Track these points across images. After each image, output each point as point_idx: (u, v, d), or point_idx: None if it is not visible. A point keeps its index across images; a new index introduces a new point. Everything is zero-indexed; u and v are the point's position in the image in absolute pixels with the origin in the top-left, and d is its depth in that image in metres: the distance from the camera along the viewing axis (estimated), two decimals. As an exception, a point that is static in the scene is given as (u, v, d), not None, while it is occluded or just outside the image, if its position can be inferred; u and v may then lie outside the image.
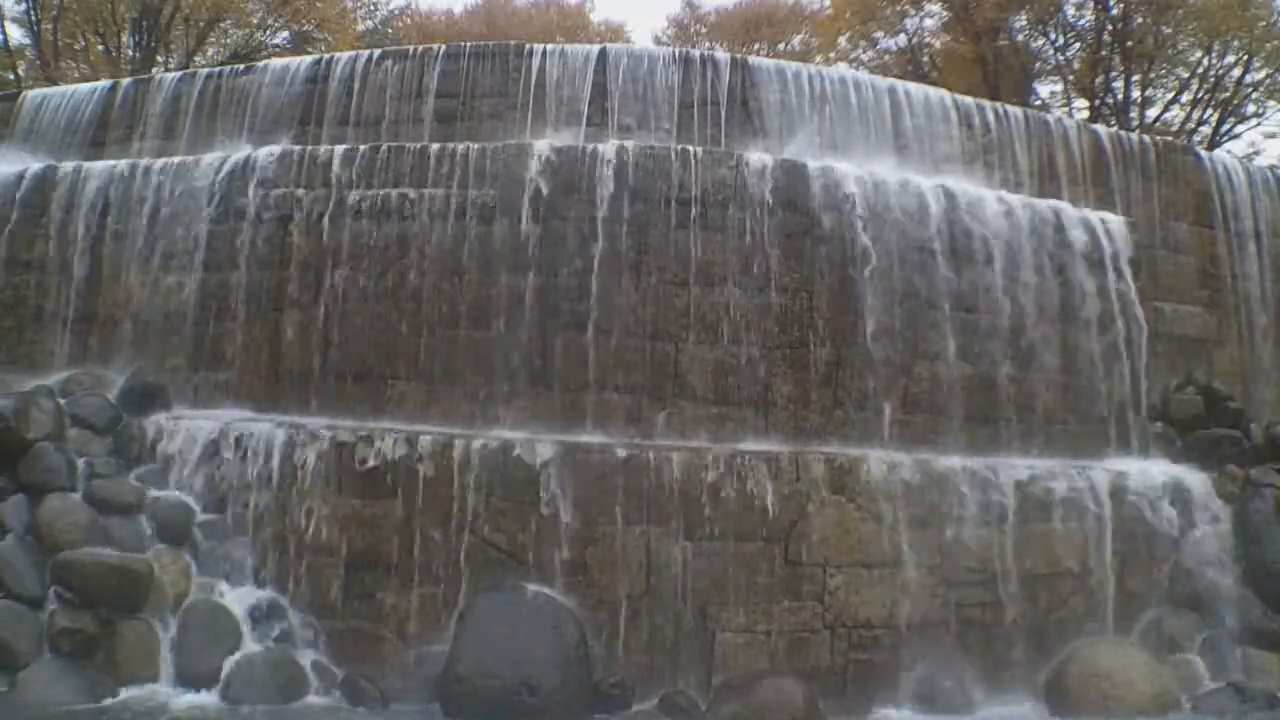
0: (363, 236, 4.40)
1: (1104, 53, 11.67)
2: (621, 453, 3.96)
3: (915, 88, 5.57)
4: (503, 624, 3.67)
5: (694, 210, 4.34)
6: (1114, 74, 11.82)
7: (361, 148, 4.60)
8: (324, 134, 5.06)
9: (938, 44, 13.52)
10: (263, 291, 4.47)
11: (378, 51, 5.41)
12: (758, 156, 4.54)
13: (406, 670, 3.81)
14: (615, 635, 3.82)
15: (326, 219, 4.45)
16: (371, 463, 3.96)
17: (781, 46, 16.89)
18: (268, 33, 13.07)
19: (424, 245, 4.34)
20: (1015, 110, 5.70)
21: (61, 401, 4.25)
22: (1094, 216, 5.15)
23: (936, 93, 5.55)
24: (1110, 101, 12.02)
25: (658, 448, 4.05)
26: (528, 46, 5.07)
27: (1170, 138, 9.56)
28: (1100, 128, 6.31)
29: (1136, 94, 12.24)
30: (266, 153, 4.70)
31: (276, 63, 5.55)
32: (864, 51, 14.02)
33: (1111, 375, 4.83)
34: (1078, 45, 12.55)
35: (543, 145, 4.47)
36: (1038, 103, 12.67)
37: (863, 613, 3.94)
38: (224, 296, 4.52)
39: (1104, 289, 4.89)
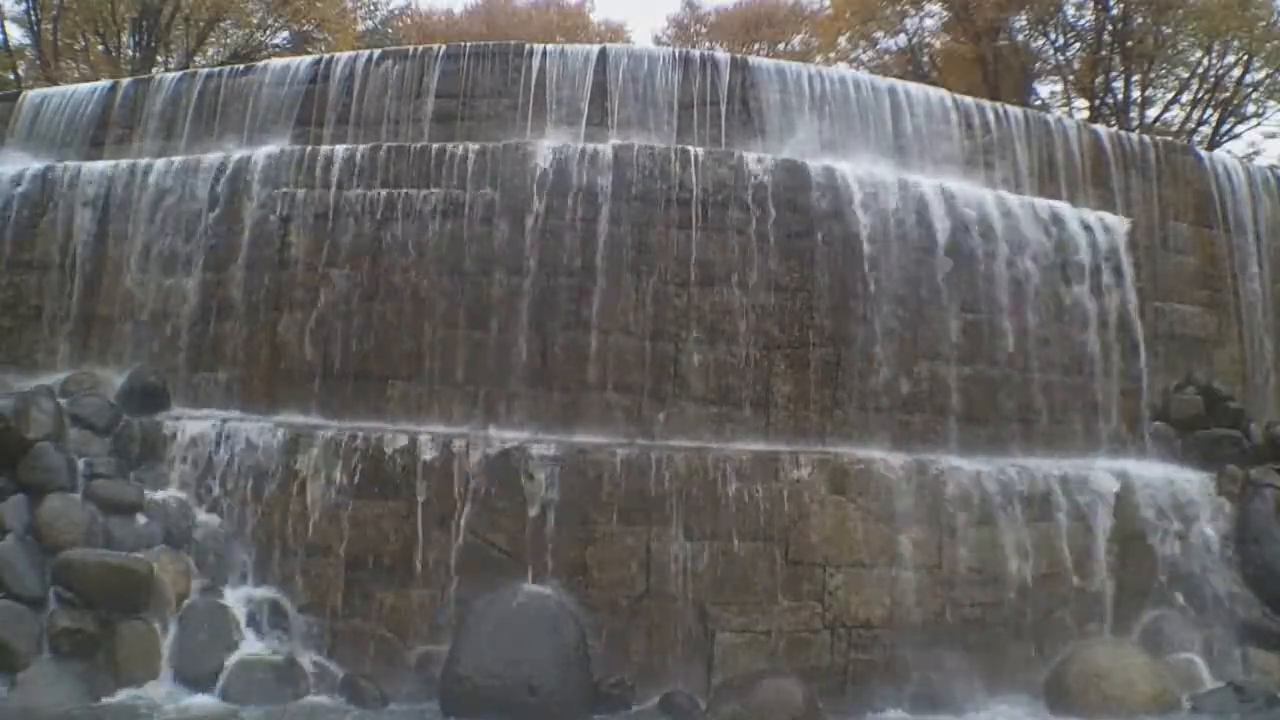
0: (363, 236, 4.41)
1: (1104, 53, 11.66)
2: (621, 453, 3.97)
3: (915, 87, 5.57)
4: (503, 624, 3.67)
5: (694, 210, 4.36)
6: (1114, 74, 11.81)
7: (361, 148, 4.61)
8: (324, 134, 5.05)
9: (938, 44, 13.49)
10: (262, 292, 4.47)
11: (378, 51, 5.39)
12: (758, 156, 4.55)
13: (406, 670, 3.81)
14: (615, 635, 3.83)
15: (328, 219, 4.45)
16: (371, 463, 3.97)
17: (781, 46, 16.86)
18: (268, 33, 13.06)
19: (423, 245, 4.35)
20: (1015, 110, 5.69)
21: (61, 401, 4.25)
22: (1093, 216, 5.16)
23: (936, 92, 5.56)
24: (1110, 101, 12.01)
25: (658, 448, 4.06)
26: (528, 46, 5.06)
27: (1170, 138, 9.55)
28: (1100, 128, 6.30)
29: (1136, 94, 12.24)
30: (266, 153, 4.71)
31: (276, 63, 5.54)
32: (864, 51, 14.01)
33: (1111, 375, 4.84)
34: (1078, 45, 12.56)
35: (542, 145, 4.48)
36: (1038, 103, 12.67)
37: (862, 613, 3.96)
38: (224, 297, 4.53)
39: (1103, 289, 4.90)
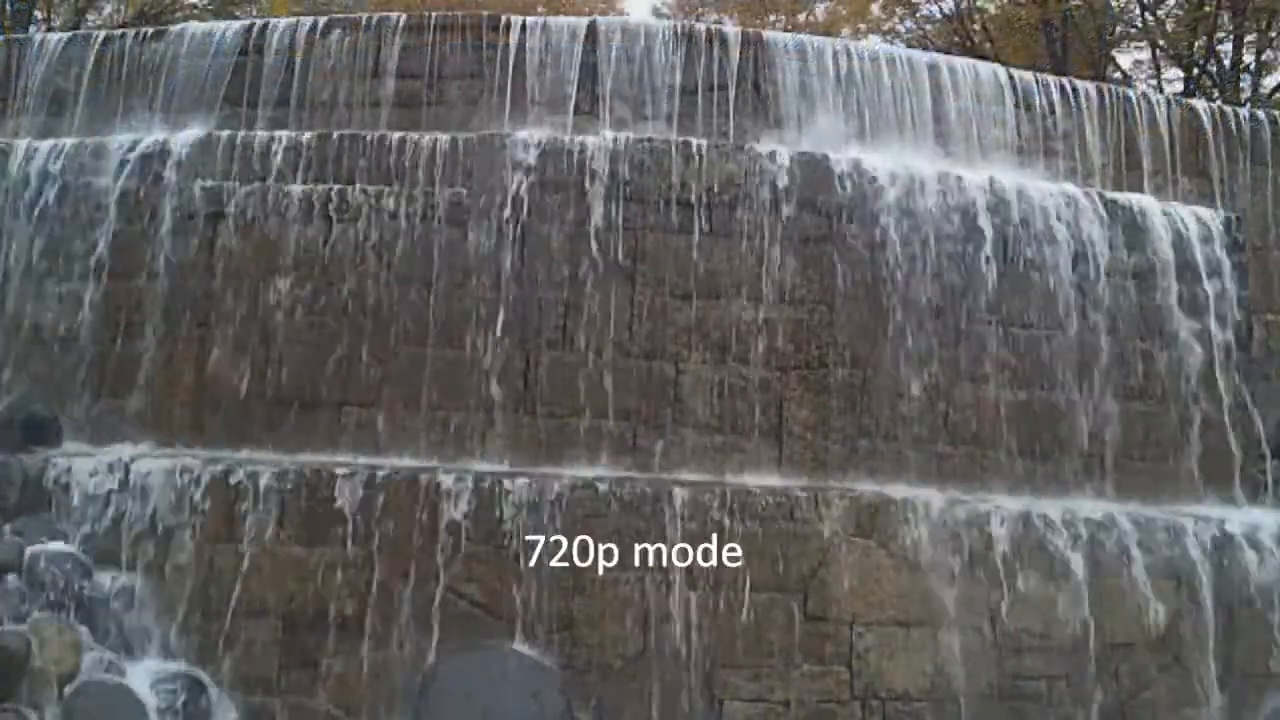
0: (310, 240, 5.33)
1: (1207, 8, 12.32)
2: (614, 489, 4.78)
3: (962, 63, 6.72)
4: (473, 692, 4.37)
5: (697, 212, 5.30)
6: (1220, 35, 12.46)
7: (307, 135, 5.52)
8: (259, 117, 5.95)
9: (992, 8, 14.33)
10: (185, 303, 5.31)
11: (323, 19, 6.31)
12: (772, 149, 5.49)
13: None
14: (606, 703, 4.58)
15: (266, 219, 5.40)
16: (319, 504, 4.74)
17: (802, 17, 17.86)
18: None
19: (383, 251, 5.25)
20: (1087, 86, 6.83)
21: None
22: (1185, 212, 6.16)
23: (988, 68, 6.70)
24: (1213, 70, 12.71)
25: (655, 482, 4.88)
26: (505, 19, 6.02)
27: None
28: (1199, 103, 7.40)
29: (1250, 59, 12.80)
30: (187, 137, 5.56)
31: (197, 28, 6.39)
32: (901, 21, 15.12)
33: (1209, 403, 5.72)
34: (1172, 1, 13.41)
35: (523, 137, 5.41)
36: (1116, 75, 13.82)
37: (899, 682, 4.70)
38: (134, 309, 5.33)
39: (1198, 300, 5.85)
